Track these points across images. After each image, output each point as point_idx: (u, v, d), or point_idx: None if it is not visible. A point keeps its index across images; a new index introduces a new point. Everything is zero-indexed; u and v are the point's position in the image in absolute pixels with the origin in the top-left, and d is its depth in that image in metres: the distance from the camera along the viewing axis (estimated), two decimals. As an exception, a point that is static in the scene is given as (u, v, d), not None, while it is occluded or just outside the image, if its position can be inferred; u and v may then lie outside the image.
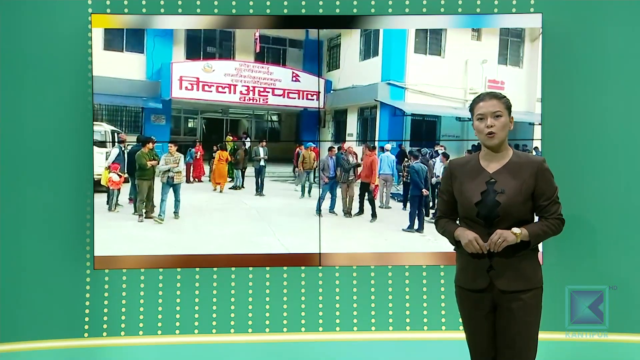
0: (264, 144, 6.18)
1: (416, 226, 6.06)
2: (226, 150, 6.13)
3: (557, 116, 5.89)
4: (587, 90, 5.91)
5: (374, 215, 6.12)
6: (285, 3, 5.97)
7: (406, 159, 6.08)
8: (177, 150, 6.03)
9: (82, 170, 5.88)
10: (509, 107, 3.89)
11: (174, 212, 6.03)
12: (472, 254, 3.82)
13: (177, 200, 6.05)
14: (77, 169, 5.89)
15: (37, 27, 5.84)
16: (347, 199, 6.13)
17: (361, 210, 6.12)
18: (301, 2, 5.97)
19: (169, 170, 6.01)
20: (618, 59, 5.90)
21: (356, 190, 6.14)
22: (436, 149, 6.03)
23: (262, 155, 6.18)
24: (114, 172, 5.94)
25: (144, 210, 6.03)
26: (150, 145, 5.98)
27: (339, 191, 6.14)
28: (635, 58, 5.88)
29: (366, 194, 6.16)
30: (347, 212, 6.11)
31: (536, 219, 3.94)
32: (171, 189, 6.05)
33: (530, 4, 5.93)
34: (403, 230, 6.04)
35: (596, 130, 5.91)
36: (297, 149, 6.15)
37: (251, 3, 5.96)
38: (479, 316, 3.94)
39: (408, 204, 6.13)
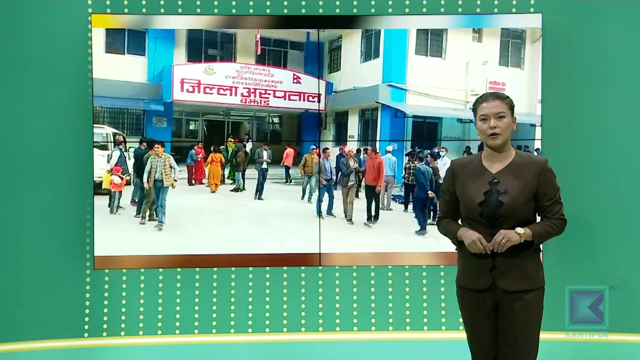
0: (268, 146, 6.16)
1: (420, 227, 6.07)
2: (219, 152, 6.09)
3: (557, 116, 5.87)
4: (587, 90, 5.89)
5: (375, 217, 6.09)
6: (285, 3, 5.94)
7: (408, 161, 6.05)
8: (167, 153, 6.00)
9: (82, 170, 5.86)
10: (512, 107, 3.87)
11: (158, 222, 5.98)
12: (475, 254, 3.81)
13: (161, 206, 5.98)
14: (77, 169, 5.87)
15: (37, 27, 5.81)
16: (347, 205, 6.09)
17: (369, 218, 6.07)
18: (301, 2, 5.95)
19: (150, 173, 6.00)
20: (618, 59, 5.87)
21: (361, 196, 6.11)
22: (436, 150, 6.01)
23: (265, 157, 6.14)
24: (116, 174, 5.91)
25: (147, 213, 5.99)
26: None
27: (339, 194, 6.11)
28: (635, 58, 5.86)
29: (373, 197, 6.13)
30: (349, 219, 6.07)
31: (538, 219, 3.93)
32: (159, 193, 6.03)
33: (530, 4, 5.91)
34: (416, 232, 6.00)
35: (596, 130, 5.90)
36: (286, 150, 6.14)
37: (251, 3, 5.93)
38: (480, 316, 3.93)
39: (410, 205, 6.11)
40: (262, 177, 6.13)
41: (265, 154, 6.15)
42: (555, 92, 5.87)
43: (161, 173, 5.96)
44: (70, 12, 5.85)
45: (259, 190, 6.12)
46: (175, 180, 5.99)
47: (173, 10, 5.91)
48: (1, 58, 5.83)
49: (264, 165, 6.14)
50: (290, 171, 6.18)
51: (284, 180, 6.19)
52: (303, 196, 6.13)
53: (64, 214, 5.92)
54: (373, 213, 6.08)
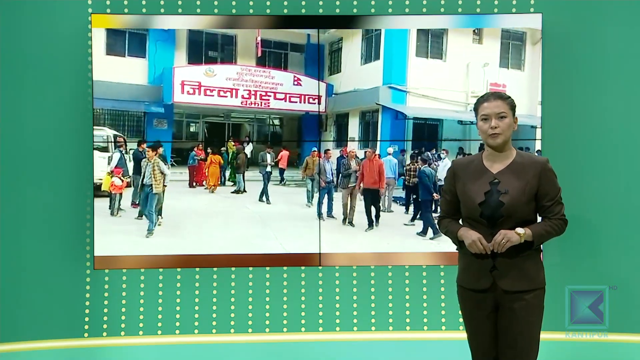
0: (272, 149, 6.13)
1: (425, 229, 6.02)
2: (218, 154, 6.08)
3: (557, 116, 5.85)
4: (587, 90, 5.87)
5: (376, 218, 6.04)
6: (285, 3, 5.92)
7: (408, 163, 6.03)
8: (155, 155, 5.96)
9: (82, 170, 5.85)
10: (513, 107, 3.87)
11: (148, 230, 5.93)
12: (476, 254, 3.80)
13: (148, 213, 5.93)
14: (77, 169, 5.85)
15: (37, 27, 5.79)
16: (348, 208, 6.07)
17: (370, 224, 6.04)
18: (301, 2, 5.92)
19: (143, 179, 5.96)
20: (618, 59, 5.86)
21: (359, 200, 6.08)
22: (437, 152, 6.01)
23: (269, 161, 6.12)
24: (117, 176, 5.88)
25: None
26: (160, 150, 5.92)
27: (338, 197, 6.09)
28: (635, 58, 5.85)
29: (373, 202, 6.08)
30: (349, 222, 6.04)
31: (539, 219, 3.92)
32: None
33: (530, 4, 5.89)
34: (417, 234, 6.00)
35: (596, 130, 5.88)
36: (281, 152, 6.14)
37: (251, 3, 5.91)
38: (481, 316, 3.93)
39: (412, 207, 6.10)
40: (268, 180, 6.12)
41: (268, 157, 6.13)
42: (555, 92, 5.86)
43: (150, 178, 5.93)
44: (70, 12, 5.83)
45: (265, 193, 6.11)
46: (165, 186, 5.95)
47: (173, 10, 5.89)
48: (1, 58, 5.80)
49: (268, 169, 6.12)
50: (285, 173, 6.18)
51: (278, 182, 6.20)
52: (309, 202, 6.10)
53: (64, 214, 5.90)
54: (373, 218, 6.05)
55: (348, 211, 6.07)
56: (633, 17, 5.87)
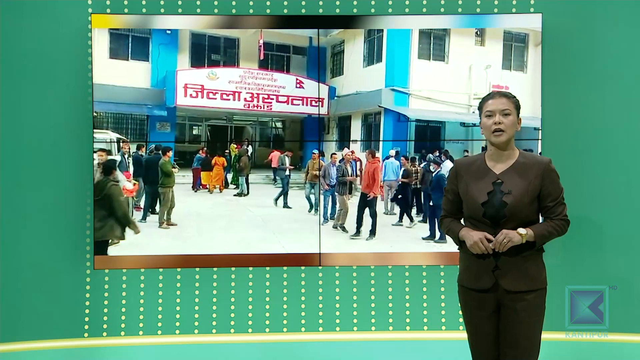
0: (292, 153, 6.13)
1: (433, 233, 5.99)
2: (221, 156, 6.07)
3: (557, 116, 5.82)
4: (588, 90, 5.85)
5: (372, 232, 6.00)
6: (285, 3, 5.87)
7: (407, 165, 6.01)
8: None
9: (83, 170, 5.80)
10: (518, 107, 3.86)
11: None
12: (477, 253, 3.79)
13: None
14: (78, 169, 5.82)
15: (37, 28, 5.74)
16: (342, 212, 6.04)
17: (357, 230, 6.01)
18: (301, 2, 5.88)
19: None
20: (618, 59, 5.83)
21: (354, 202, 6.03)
22: (439, 154, 5.97)
23: (287, 164, 6.09)
24: (127, 180, 5.86)
25: (165, 217, 5.94)
26: (169, 153, 5.92)
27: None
28: (636, 58, 5.83)
29: (367, 207, 6.00)
30: (336, 226, 6.03)
31: (541, 219, 3.89)
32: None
33: (530, 4, 5.85)
34: (423, 238, 5.98)
35: (596, 130, 5.85)
36: (272, 153, 6.16)
37: (251, 3, 5.86)
38: (482, 316, 3.90)
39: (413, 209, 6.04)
40: (287, 184, 6.11)
41: (287, 161, 6.10)
42: (555, 92, 5.82)
43: None
44: (70, 12, 5.78)
45: (277, 197, 6.13)
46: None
47: (173, 10, 5.84)
48: (1, 58, 5.76)
49: (287, 172, 6.09)
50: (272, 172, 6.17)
51: (273, 183, 6.19)
52: (311, 208, 6.10)
53: (64, 213, 5.85)
54: (370, 228, 6.01)
55: (340, 216, 6.04)
56: (633, 17, 5.84)
